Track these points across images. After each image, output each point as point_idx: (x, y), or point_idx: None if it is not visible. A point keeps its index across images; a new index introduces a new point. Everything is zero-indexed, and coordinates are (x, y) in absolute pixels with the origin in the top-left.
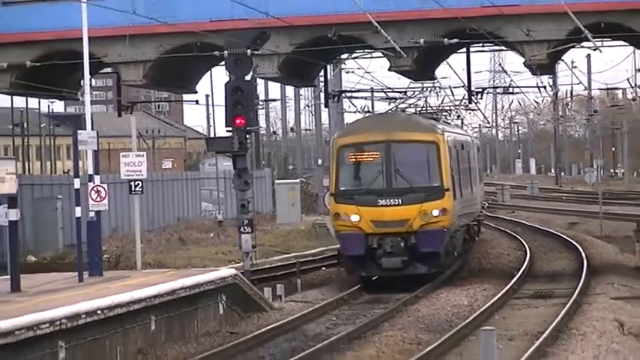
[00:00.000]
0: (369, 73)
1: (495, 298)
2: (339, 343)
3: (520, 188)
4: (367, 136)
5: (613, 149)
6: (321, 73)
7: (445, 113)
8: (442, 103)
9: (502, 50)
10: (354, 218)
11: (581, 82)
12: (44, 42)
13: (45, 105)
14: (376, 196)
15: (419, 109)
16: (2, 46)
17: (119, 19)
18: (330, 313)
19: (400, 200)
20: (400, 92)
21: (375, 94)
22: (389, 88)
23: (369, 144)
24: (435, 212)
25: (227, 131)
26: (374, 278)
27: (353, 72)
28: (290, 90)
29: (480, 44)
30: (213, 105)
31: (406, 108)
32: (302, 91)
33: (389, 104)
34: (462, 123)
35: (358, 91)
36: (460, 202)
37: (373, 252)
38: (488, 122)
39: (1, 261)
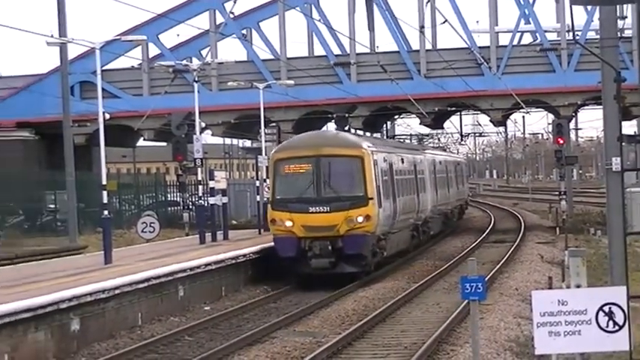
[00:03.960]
0: (409, 125)
1: (475, 243)
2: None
3: (487, 185)
4: (299, 151)
5: (536, 165)
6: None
7: (449, 145)
8: (447, 141)
9: (477, 113)
10: (288, 224)
11: (519, 130)
12: (240, 110)
13: (241, 142)
14: (307, 204)
15: (435, 144)
16: (220, 112)
17: (279, 98)
18: None
19: (328, 208)
20: (425, 135)
21: (413, 136)
22: (420, 133)
23: (301, 158)
24: (360, 219)
25: None
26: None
27: (399, 125)
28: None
29: (466, 110)
30: None
31: (428, 144)
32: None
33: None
34: (451, 150)
35: (403, 134)
36: (390, 209)
37: (305, 253)
38: (472, 151)
39: (218, 224)
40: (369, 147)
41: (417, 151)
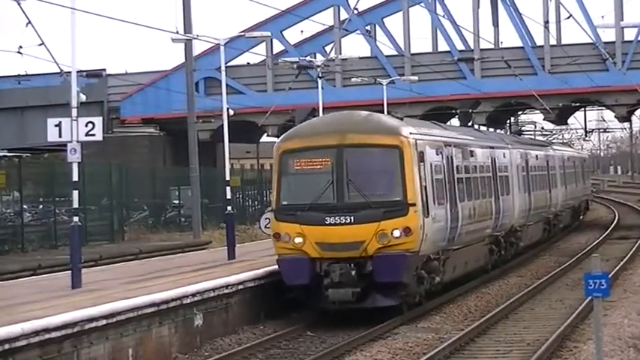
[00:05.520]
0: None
1: (598, 239)
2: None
3: (612, 181)
4: (316, 140)
5: None
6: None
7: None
8: (571, 137)
9: (602, 109)
10: (298, 240)
11: None
12: (364, 106)
13: None
14: (324, 213)
15: (560, 140)
16: (344, 108)
17: (403, 94)
18: None
19: (353, 218)
20: (548, 131)
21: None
22: (543, 128)
23: (317, 149)
24: (396, 233)
25: None
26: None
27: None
28: None
29: (591, 105)
30: None
31: (554, 141)
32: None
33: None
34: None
35: (527, 130)
36: (445, 218)
37: (320, 281)
38: (596, 147)
39: None
40: (411, 134)
41: (503, 144)
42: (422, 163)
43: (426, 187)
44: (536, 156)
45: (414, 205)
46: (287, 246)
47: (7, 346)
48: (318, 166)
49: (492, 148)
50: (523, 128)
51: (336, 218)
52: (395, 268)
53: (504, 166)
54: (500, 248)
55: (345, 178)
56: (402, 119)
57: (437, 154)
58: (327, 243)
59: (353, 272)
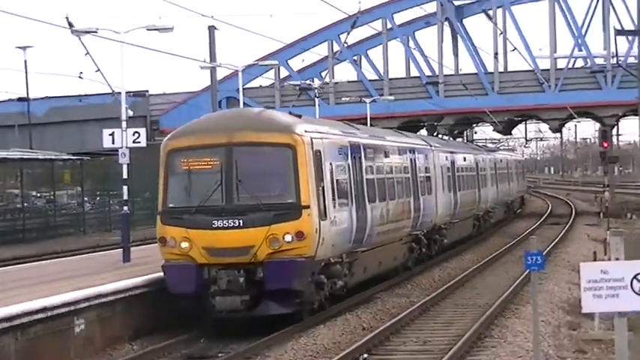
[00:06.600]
0: (484, 132)
1: (536, 224)
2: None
3: (546, 179)
4: (204, 138)
5: (585, 163)
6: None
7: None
8: (514, 144)
9: (539, 122)
10: (184, 245)
11: (572, 135)
12: (352, 120)
13: None
14: (211, 216)
15: (506, 147)
16: None
17: (383, 109)
18: None
19: (242, 221)
20: (497, 139)
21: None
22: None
23: (205, 148)
24: (288, 237)
25: None
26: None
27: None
28: None
29: (530, 119)
30: None
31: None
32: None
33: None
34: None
35: (479, 139)
36: (350, 221)
37: (207, 288)
38: (534, 152)
39: None
40: (306, 132)
41: (418, 143)
42: (320, 163)
43: (323, 189)
44: (464, 158)
45: (307, 207)
46: (173, 251)
47: (72, 308)
48: (207, 166)
49: (412, 150)
50: (476, 137)
51: (225, 222)
52: (286, 275)
53: (426, 168)
54: (421, 246)
55: (234, 178)
56: (300, 117)
57: (339, 154)
58: (214, 248)
59: (241, 279)
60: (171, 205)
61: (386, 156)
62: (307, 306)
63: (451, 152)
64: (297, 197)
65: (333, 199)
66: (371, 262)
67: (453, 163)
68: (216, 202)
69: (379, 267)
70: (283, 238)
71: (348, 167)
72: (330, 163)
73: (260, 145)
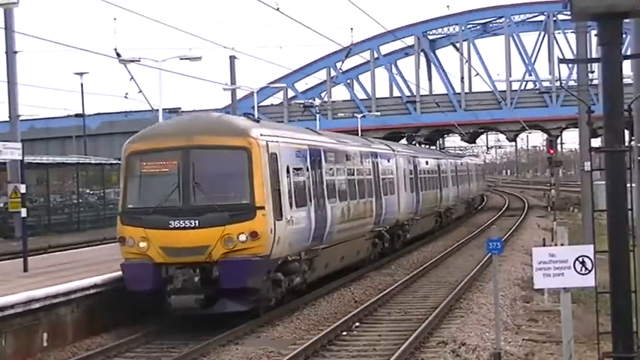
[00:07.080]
0: (454, 141)
1: (496, 216)
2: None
3: (504, 179)
4: (163, 141)
5: (536, 166)
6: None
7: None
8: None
9: (498, 133)
10: (142, 244)
11: (525, 143)
12: (346, 132)
13: None
14: (168, 217)
15: (471, 153)
16: None
17: (371, 123)
18: None
19: (197, 222)
20: (462, 148)
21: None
22: (459, 146)
23: (164, 151)
24: (242, 237)
25: None
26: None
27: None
28: None
29: (491, 131)
30: None
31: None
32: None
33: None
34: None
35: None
36: (308, 221)
37: (164, 287)
38: (494, 157)
39: None
40: (262, 135)
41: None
42: (275, 166)
43: (279, 190)
44: (427, 162)
45: (262, 208)
46: (132, 250)
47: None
48: (165, 169)
49: (375, 154)
50: (447, 145)
51: (181, 222)
52: (241, 274)
53: (389, 170)
54: (384, 241)
55: (191, 180)
56: (257, 121)
57: (297, 157)
58: (171, 248)
59: (197, 278)
60: (130, 206)
61: (348, 159)
62: (264, 303)
63: (414, 157)
64: (252, 198)
65: (290, 200)
66: (332, 257)
67: (415, 166)
68: (174, 203)
69: (342, 261)
70: (238, 238)
71: (307, 169)
72: (287, 166)
73: (216, 148)
